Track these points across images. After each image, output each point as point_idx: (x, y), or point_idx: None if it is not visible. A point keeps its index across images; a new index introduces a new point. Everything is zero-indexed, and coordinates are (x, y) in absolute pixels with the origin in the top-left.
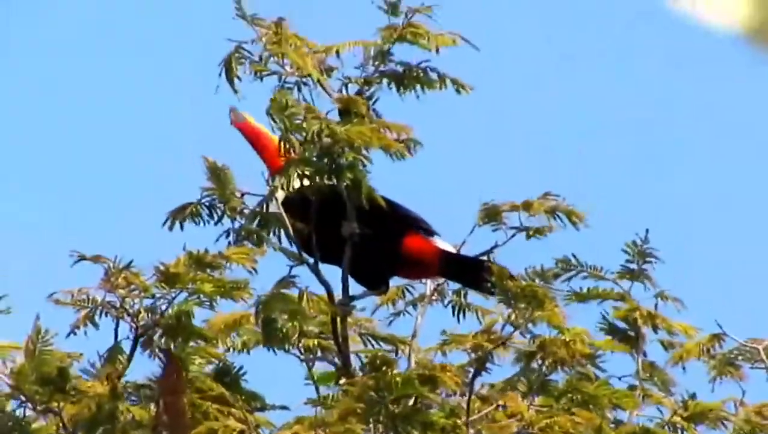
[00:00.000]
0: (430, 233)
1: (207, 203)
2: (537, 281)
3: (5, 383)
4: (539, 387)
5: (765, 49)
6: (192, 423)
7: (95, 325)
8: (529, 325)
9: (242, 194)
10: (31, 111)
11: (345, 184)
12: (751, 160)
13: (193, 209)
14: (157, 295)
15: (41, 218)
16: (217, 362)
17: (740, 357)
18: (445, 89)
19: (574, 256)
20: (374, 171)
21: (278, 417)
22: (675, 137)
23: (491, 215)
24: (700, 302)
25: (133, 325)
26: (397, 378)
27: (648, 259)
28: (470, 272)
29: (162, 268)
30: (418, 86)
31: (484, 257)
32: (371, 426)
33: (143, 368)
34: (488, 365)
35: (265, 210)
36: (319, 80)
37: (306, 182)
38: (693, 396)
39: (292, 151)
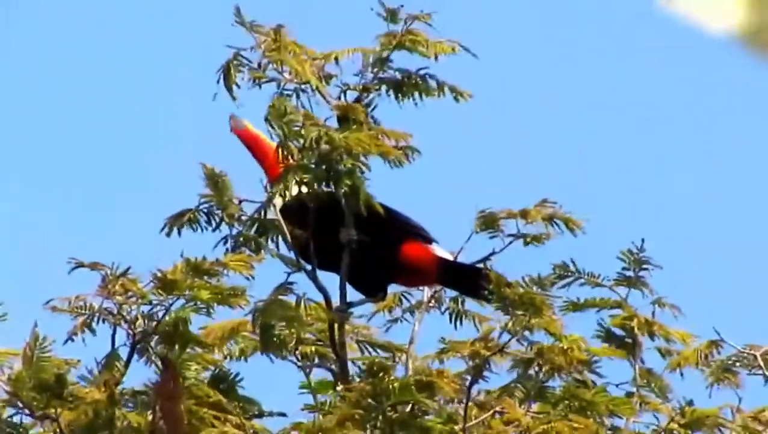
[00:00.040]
0: (429, 240)
1: (205, 210)
2: (534, 288)
3: (3, 389)
4: (536, 393)
5: (760, 51)
6: (189, 429)
7: (92, 332)
8: (527, 332)
9: (240, 201)
10: (31, 113)
11: (343, 190)
12: (748, 163)
13: (192, 216)
14: (155, 302)
15: (39, 222)
16: (213, 368)
17: (738, 364)
18: (443, 97)
19: (572, 262)
20: (372, 178)
21: (275, 424)
22: (674, 137)
23: (488, 222)
24: (698, 309)
25: (131, 332)
26: (394, 384)
27: (644, 266)
28: (468, 280)
29: (159, 275)
30: (416, 93)
31: (482, 265)
32: (368, 432)
33: (140, 374)
34: (485, 373)
35: (263, 217)
36: (317, 87)
37: (304, 189)
38: (690, 403)
39: (290, 158)
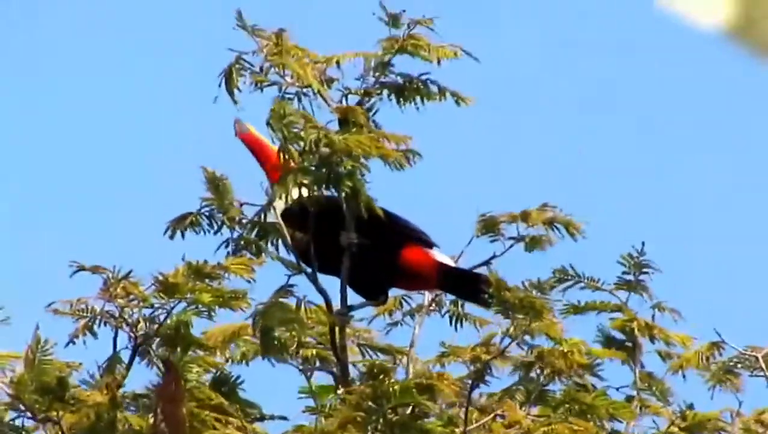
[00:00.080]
0: (429, 244)
1: (206, 213)
2: (535, 292)
3: (5, 392)
4: (537, 396)
5: (750, 47)
6: (190, 432)
7: (94, 335)
8: (527, 336)
9: (241, 204)
10: (31, 113)
11: (344, 193)
12: (749, 163)
13: (193, 219)
14: (156, 305)
15: (40, 225)
16: (215, 371)
17: (739, 365)
18: (444, 101)
19: (572, 266)
20: (373, 182)
21: (276, 427)
22: (674, 137)
23: (489, 226)
24: (699, 310)
25: (132, 335)
26: (395, 387)
27: (644, 270)
28: (468, 285)
29: (161, 278)
30: (418, 98)
31: (482, 269)
32: None
33: (142, 377)
34: (486, 377)
35: (263, 220)
36: (319, 91)
37: (305, 192)
38: (691, 407)
39: (291, 161)
